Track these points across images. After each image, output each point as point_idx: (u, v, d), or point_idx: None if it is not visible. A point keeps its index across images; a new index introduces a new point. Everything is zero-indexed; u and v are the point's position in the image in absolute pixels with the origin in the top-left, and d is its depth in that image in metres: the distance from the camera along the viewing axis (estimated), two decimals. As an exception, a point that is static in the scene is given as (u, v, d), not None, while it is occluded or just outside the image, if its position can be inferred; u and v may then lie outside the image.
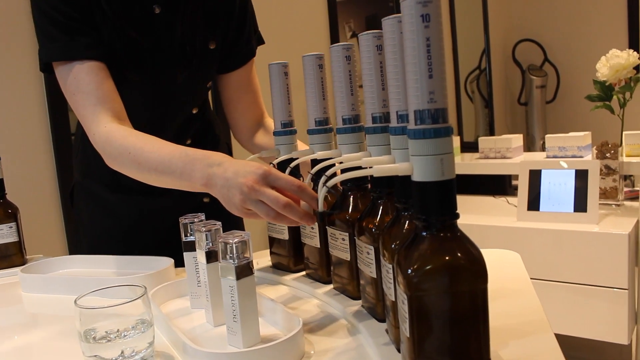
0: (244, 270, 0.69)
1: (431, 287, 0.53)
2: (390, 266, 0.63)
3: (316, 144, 0.90)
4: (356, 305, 0.80)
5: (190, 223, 0.85)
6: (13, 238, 1.21)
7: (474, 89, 4.00)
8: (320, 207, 0.74)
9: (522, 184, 2.10)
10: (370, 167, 0.62)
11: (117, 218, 1.22)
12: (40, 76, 1.76)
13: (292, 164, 0.91)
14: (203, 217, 0.86)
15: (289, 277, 0.97)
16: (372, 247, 0.72)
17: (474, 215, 2.30)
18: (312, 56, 0.88)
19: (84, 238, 1.27)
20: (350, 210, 0.81)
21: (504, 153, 2.48)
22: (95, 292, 0.72)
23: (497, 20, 4.14)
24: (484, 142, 2.56)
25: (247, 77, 1.24)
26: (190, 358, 0.68)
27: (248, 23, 1.22)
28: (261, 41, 1.27)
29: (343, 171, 0.72)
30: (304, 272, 0.98)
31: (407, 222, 0.63)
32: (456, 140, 2.97)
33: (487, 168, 2.48)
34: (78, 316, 0.67)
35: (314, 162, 0.89)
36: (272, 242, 1.03)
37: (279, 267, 1.02)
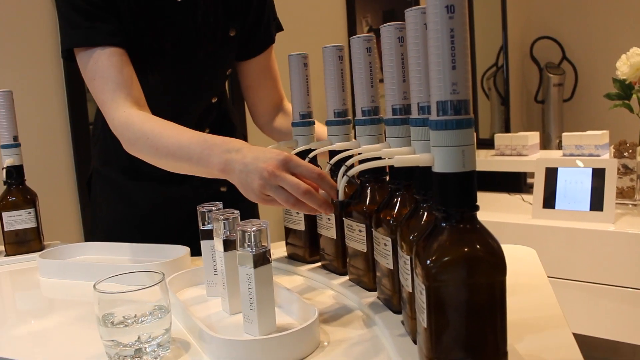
0: (262, 259, 0.69)
1: (450, 278, 0.53)
2: (408, 257, 0.63)
3: (335, 135, 0.90)
4: (372, 296, 0.80)
5: (208, 211, 0.86)
6: (32, 224, 1.23)
7: (491, 86, 3.98)
8: (341, 196, 0.74)
9: (538, 182, 2.09)
10: (390, 158, 0.62)
11: (135, 206, 1.23)
12: (60, 65, 1.78)
13: (311, 155, 0.91)
14: (221, 206, 0.86)
15: (304, 268, 0.97)
16: (389, 239, 0.72)
17: (489, 212, 2.29)
18: (332, 47, 0.88)
19: (101, 225, 1.28)
20: (367, 202, 0.81)
21: (520, 150, 2.46)
22: (113, 277, 0.73)
23: (516, 17, 4.10)
24: (500, 139, 2.55)
25: (266, 63, 1.25)
26: (207, 345, 0.69)
27: (267, 9, 1.22)
28: (280, 28, 1.27)
29: (362, 161, 0.72)
30: (319, 263, 0.98)
31: (426, 213, 0.63)
32: (472, 137, 2.95)
33: (502, 165, 2.46)
34: (97, 301, 0.68)
35: (332, 153, 0.89)
36: (288, 232, 1.03)
37: (294, 258, 1.03)
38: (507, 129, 3.87)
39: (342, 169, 0.73)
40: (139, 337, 0.68)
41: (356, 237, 0.83)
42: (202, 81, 1.18)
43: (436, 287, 0.53)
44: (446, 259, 0.53)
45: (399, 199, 0.73)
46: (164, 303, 0.70)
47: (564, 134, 2.38)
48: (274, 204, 0.78)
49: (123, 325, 0.69)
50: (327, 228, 0.92)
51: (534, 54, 4.35)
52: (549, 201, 2.08)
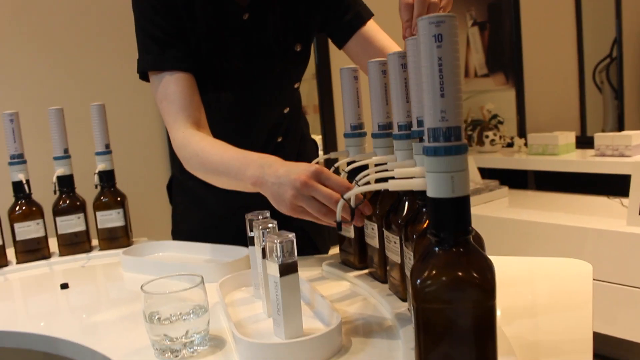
0: (288, 269, 0.74)
1: (438, 300, 0.54)
2: (412, 254, 0.67)
3: (379, 147, 0.94)
4: (403, 307, 0.82)
5: (255, 220, 0.92)
6: (120, 223, 1.36)
7: (603, 79, 3.73)
8: (338, 217, 0.77)
9: (635, 185, 1.96)
10: (384, 181, 0.65)
11: (210, 211, 1.32)
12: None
13: (348, 168, 0.94)
14: (268, 215, 0.92)
15: (352, 274, 1.01)
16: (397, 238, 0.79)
17: (578, 215, 2.14)
18: (376, 62, 0.90)
19: (181, 226, 1.39)
20: (403, 215, 0.85)
21: (622, 151, 2.31)
22: (161, 279, 0.82)
23: (632, 5, 3.81)
24: (600, 138, 2.40)
25: (365, 42, 1.22)
26: (237, 345, 0.75)
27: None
28: (369, 13, 1.25)
29: (359, 178, 0.78)
30: (367, 270, 1.01)
31: (426, 216, 0.68)
32: (571, 136, 2.79)
33: (597, 166, 2.32)
34: (144, 300, 0.77)
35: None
36: (341, 240, 1.07)
37: (346, 264, 1.07)
38: (620, 126, 3.61)
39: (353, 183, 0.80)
40: (186, 332, 0.76)
41: (392, 248, 0.86)
42: (272, 96, 1.24)
43: (424, 308, 0.55)
44: (435, 281, 0.55)
45: (407, 202, 0.82)
46: (202, 303, 0.78)
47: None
48: (304, 216, 0.83)
49: (168, 321, 0.77)
50: (372, 237, 0.95)
51: (655, 44, 4.01)
52: (650, 207, 1.95)
